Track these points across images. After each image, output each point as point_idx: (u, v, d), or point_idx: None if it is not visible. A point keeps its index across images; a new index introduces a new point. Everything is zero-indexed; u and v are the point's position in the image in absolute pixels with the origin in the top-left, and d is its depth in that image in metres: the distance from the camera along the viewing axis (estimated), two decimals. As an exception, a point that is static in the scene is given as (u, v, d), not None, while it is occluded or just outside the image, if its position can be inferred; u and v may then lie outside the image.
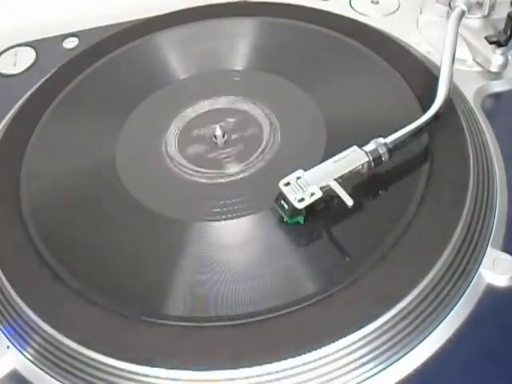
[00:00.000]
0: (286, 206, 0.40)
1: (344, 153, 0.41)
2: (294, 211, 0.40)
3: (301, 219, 0.41)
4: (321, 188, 0.40)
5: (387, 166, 0.42)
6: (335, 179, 0.40)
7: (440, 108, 0.44)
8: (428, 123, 0.43)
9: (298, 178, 0.40)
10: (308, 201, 0.39)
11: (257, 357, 0.34)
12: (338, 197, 0.39)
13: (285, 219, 0.41)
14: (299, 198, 0.39)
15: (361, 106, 0.49)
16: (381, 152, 0.41)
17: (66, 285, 0.39)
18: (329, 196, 0.40)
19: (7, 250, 0.42)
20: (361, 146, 0.42)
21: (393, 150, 0.42)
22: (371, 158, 0.41)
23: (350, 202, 0.39)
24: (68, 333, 0.37)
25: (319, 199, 0.40)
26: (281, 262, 0.40)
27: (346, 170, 0.41)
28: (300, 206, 0.39)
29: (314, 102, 0.50)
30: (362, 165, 0.41)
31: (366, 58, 0.52)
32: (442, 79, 0.46)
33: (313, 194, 0.39)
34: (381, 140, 0.42)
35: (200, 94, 0.53)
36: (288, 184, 0.40)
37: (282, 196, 0.40)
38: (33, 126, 0.50)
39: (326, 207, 0.41)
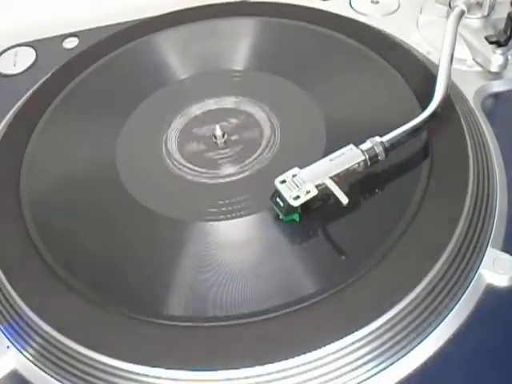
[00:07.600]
0: (281, 204, 0.40)
1: (340, 151, 0.41)
2: (290, 209, 0.40)
3: (296, 217, 0.41)
4: (316, 186, 0.40)
5: (387, 165, 0.42)
6: (331, 177, 0.40)
7: (437, 107, 0.44)
8: (425, 122, 0.43)
9: (294, 175, 0.40)
10: (303, 198, 0.39)
11: (257, 357, 0.34)
12: (334, 195, 0.39)
13: (280, 217, 0.41)
14: (294, 195, 0.39)
15: (361, 105, 0.49)
16: (377, 151, 0.41)
17: (67, 285, 0.39)
18: (325, 194, 0.40)
19: (7, 250, 0.42)
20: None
21: (389, 148, 0.42)
22: (367, 157, 0.41)
23: (345, 200, 0.39)
24: (68, 333, 0.37)
25: (315, 197, 0.39)
26: (280, 262, 0.40)
27: (342, 169, 0.41)
28: (295, 203, 0.39)
29: (314, 101, 0.50)
30: (358, 163, 0.41)
31: (365, 57, 0.52)
32: (439, 78, 0.45)
33: (308, 192, 0.39)
34: (377, 139, 0.42)
35: (200, 94, 0.53)
36: (284, 182, 0.40)
37: (277, 193, 0.40)
38: (33, 126, 0.50)
39: (322, 205, 0.41)
